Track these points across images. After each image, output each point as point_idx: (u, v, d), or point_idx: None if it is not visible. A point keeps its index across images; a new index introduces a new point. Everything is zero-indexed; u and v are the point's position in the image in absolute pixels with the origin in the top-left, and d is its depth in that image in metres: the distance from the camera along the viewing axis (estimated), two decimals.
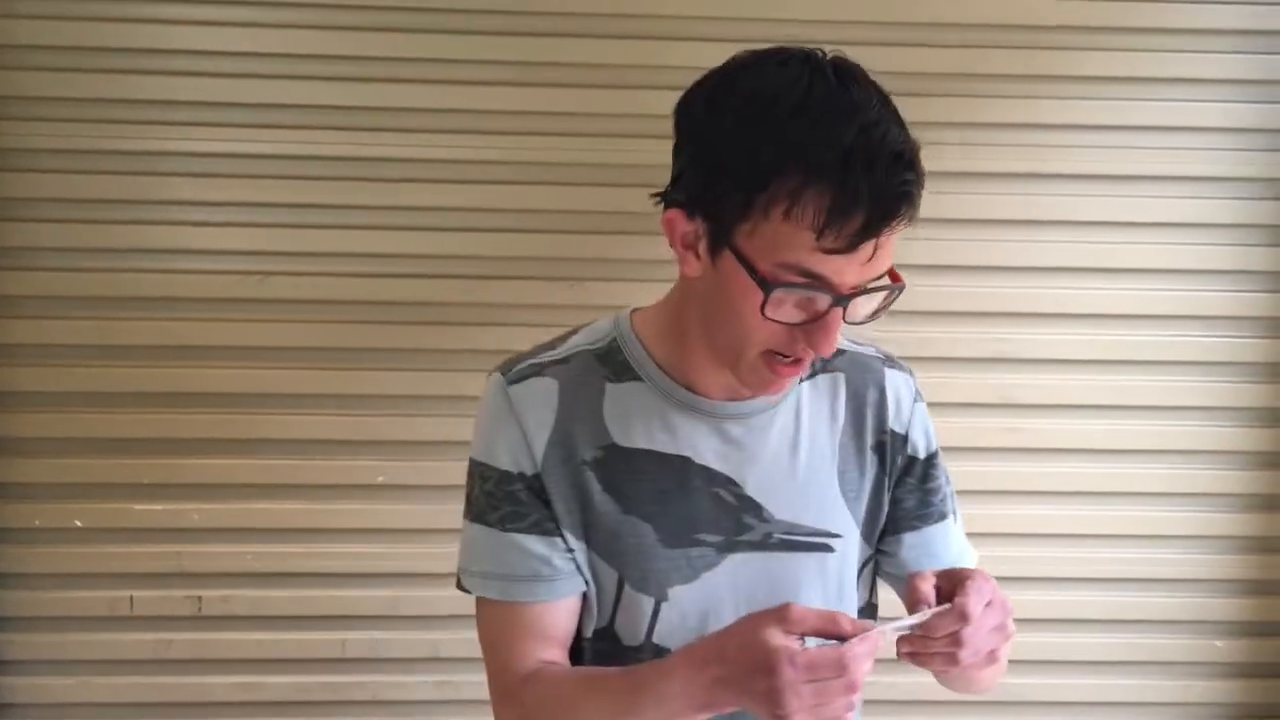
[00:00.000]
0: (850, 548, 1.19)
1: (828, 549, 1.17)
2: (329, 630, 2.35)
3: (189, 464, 2.29)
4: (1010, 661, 1.03)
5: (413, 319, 2.29)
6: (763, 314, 0.97)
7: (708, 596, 1.15)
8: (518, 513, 1.15)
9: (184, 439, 2.28)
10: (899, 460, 1.21)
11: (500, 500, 1.16)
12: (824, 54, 0.99)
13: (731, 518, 1.15)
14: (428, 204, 2.26)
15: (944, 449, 1.24)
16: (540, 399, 1.15)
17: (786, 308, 0.98)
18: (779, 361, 1.03)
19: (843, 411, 1.18)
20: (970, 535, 1.32)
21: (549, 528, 1.15)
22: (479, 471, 1.18)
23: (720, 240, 0.99)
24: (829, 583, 1.18)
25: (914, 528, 1.23)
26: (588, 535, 1.15)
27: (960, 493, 1.47)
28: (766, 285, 0.95)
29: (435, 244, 2.27)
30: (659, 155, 2.38)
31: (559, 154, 2.26)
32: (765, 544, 1.16)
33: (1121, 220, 2.33)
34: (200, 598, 2.33)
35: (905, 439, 1.21)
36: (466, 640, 2.35)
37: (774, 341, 1.02)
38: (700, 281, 1.05)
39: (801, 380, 1.17)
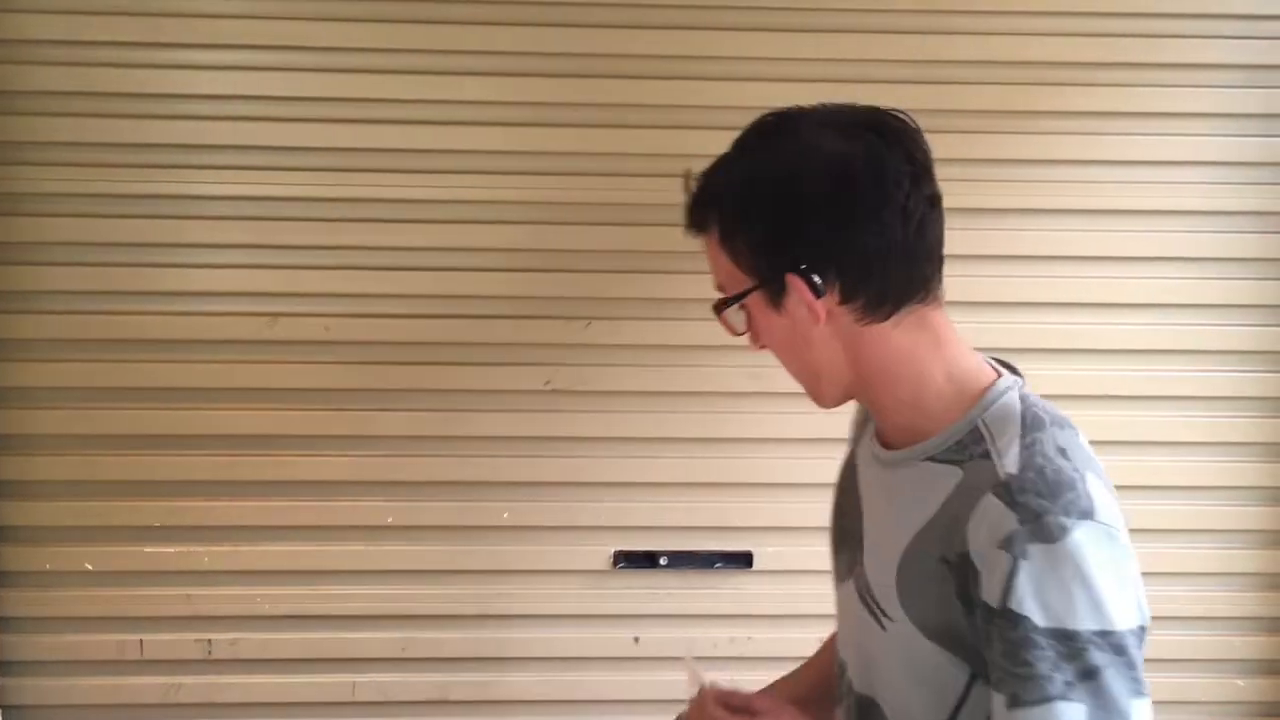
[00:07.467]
0: (908, 638, 1.06)
1: (881, 622, 1.10)
2: (338, 673, 2.33)
3: (199, 506, 2.28)
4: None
5: (422, 359, 2.29)
6: None
7: (840, 612, 1.24)
8: None
9: (194, 481, 2.28)
10: (972, 593, 0.99)
11: None
12: None
13: (854, 552, 1.18)
14: (434, 244, 2.27)
15: None
16: None
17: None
18: None
19: (937, 506, 1.04)
20: None
21: None
22: None
23: None
24: (893, 651, 1.09)
25: (989, 678, 1.01)
26: None
27: None
28: None
29: (443, 284, 2.28)
30: (664, 194, 2.40)
31: (565, 194, 2.27)
32: (858, 587, 1.16)
33: (1131, 255, 2.33)
34: (210, 641, 2.31)
35: (978, 574, 0.98)
36: (475, 683, 2.35)
37: None
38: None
39: (928, 458, 1.07)
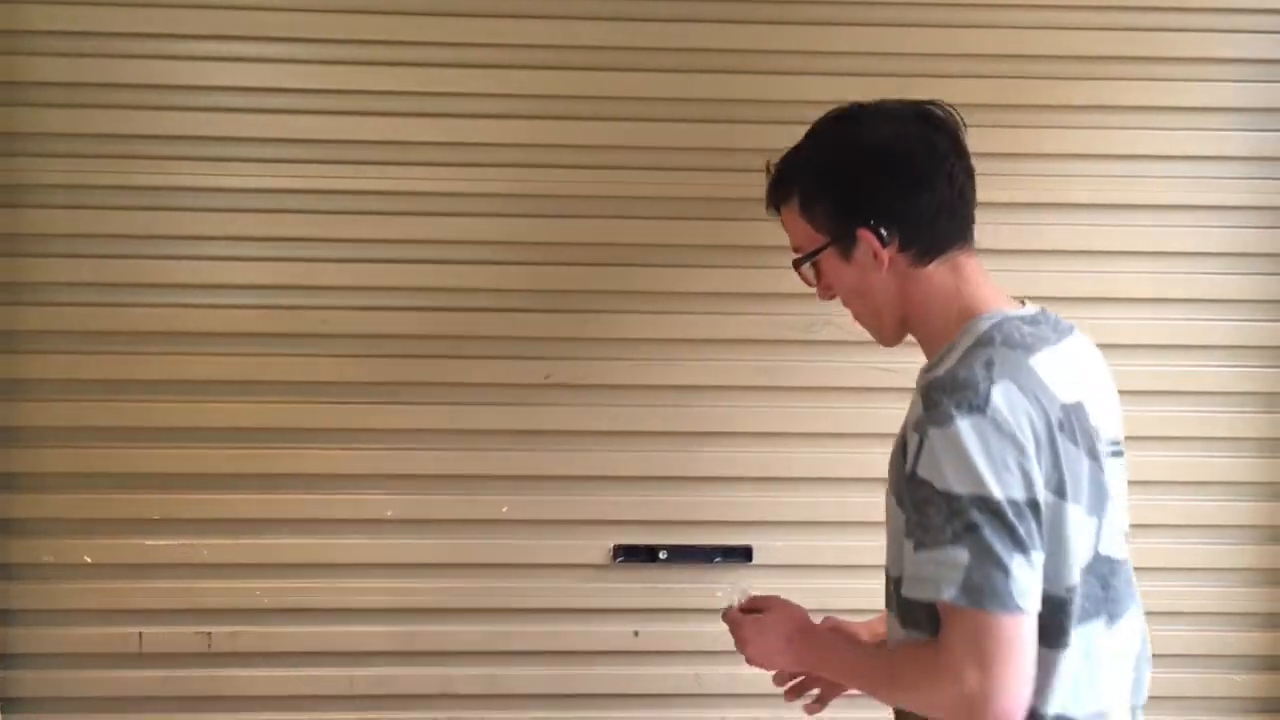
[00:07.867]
0: (892, 504, 1.31)
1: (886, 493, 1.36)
2: (338, 666, 2.33)
3: (199, 499, 2.29)
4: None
5: (422, 353, 2.29)
6: None
7: None
8: None
9: (194, 474, 2.28)
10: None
11: None
12: None
13: None
14: (434, 238, 2.28)
15: None
16: None
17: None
18: None
19: (911, 404, 1.30)
20: None
21: None
22: None
23: None
24: (888, 517, 1.33)
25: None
26: None
27: None
28: None
29: (442, 278, 2.28)
30: (665, 187, 2.42)
31: (566, 187, 2.28)
32: None
33: (1129, 250, 2.33)
34: (210, 634, 2.32)
35: (906, 448, 1.26)
36: (475, 677, 2.35)
37: None
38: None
39: (925, 370, 1.35)
